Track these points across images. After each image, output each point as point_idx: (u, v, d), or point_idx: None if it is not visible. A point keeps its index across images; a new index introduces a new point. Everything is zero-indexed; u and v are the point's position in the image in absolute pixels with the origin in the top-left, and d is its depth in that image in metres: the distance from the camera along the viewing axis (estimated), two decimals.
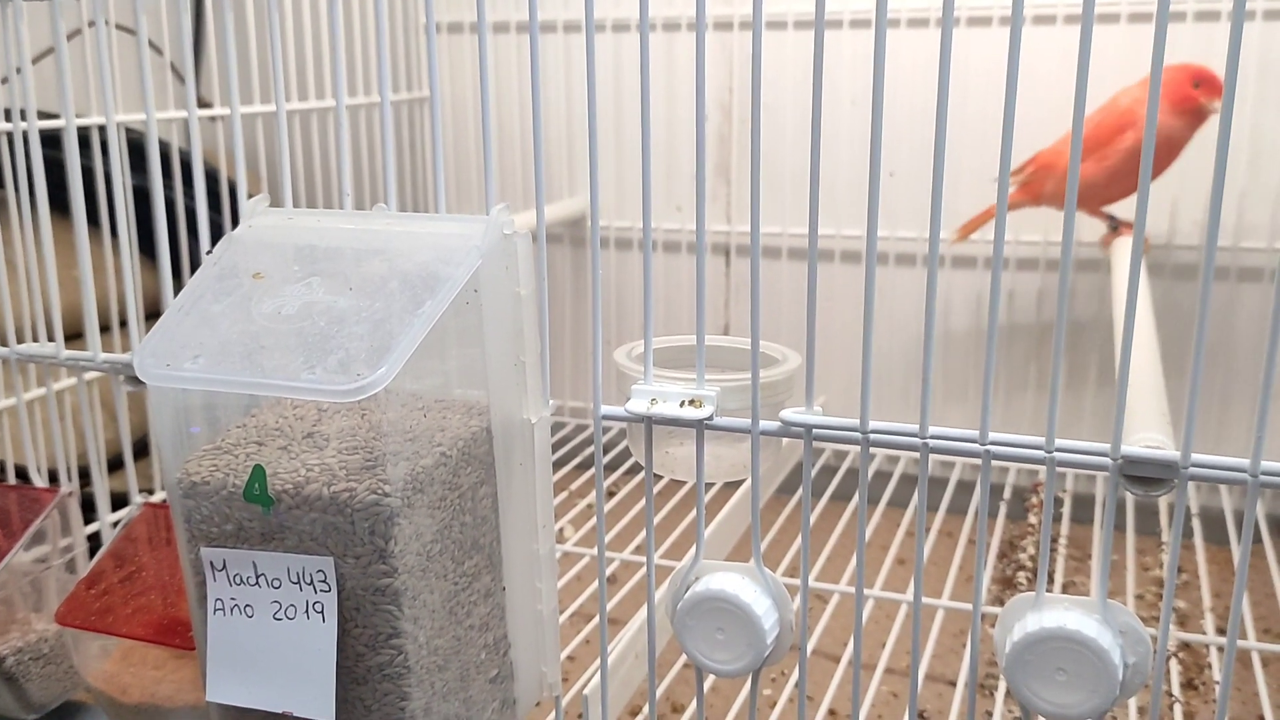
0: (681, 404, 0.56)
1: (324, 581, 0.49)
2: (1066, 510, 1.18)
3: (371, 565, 0.49)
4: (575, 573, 1.02)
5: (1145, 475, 0.50)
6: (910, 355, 1.27)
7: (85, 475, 0.80)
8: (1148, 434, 0.52)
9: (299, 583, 0.49)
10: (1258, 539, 1.09)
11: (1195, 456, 0.48)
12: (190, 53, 0.64)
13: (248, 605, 0.50)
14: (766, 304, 1.31)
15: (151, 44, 1.19)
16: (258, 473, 0.49)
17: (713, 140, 1.31)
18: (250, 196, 0.59)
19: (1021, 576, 1.01)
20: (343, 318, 0.49)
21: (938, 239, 0.50)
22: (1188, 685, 0.88)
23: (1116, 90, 1.08)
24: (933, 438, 0.52)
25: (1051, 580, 1.01)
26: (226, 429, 0.53)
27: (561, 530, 1.15)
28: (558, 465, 1.32)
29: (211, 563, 0.51)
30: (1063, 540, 1.10)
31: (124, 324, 1.10)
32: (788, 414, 0.55)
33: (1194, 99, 1.00)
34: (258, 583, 0.50)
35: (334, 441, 0.51)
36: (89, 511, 0.81)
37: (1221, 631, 0.92)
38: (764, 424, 0.55)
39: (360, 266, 0.53)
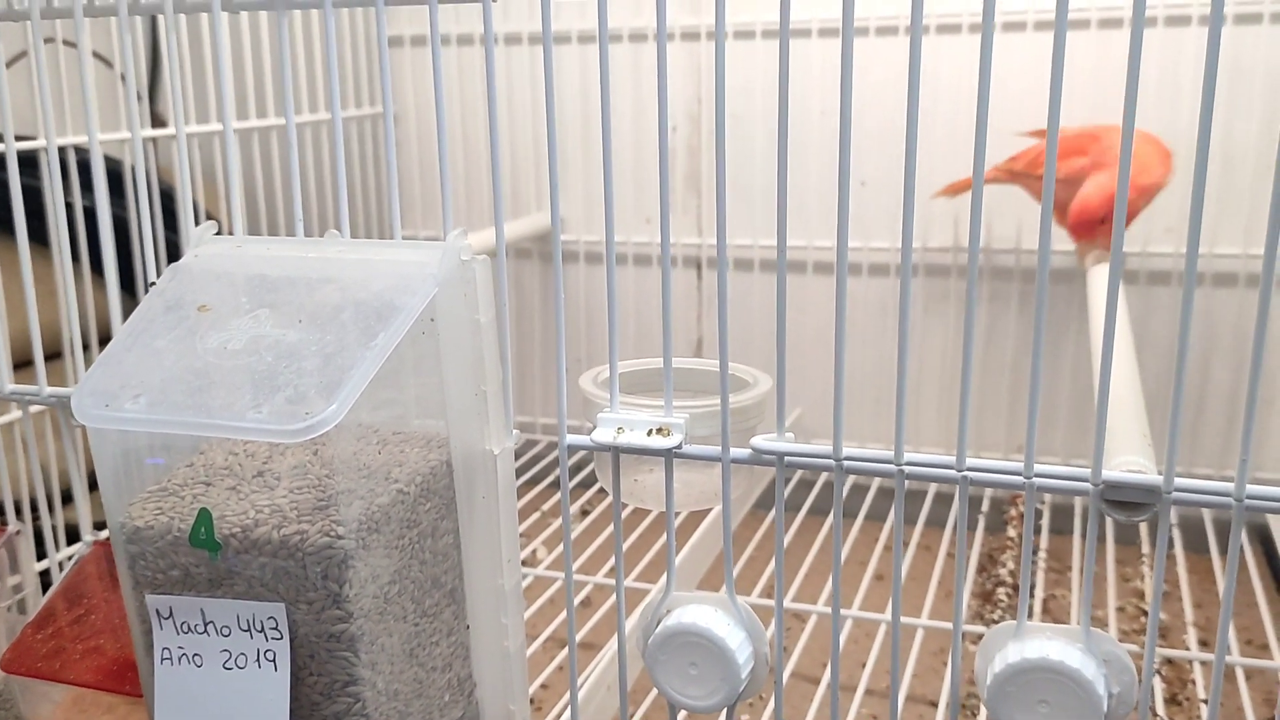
0: (649, 432, 0.54)
1: (275, 629, 0.47)
2: (1045, 522, 1.16)
3: (325, 610, 0.46)
4: (549, 596, 1.00)
5: (1127, 500, 0.48)
6: (885, 366, 1.26)
7: (37, 509, 0.77)
8: (1128, 457, 0.51)
9: (249, 630, 0.47)
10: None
11: (1178, 481, 0.47)
12: (133, 67, 0.62)
13: (196, 654, 0.48)
14: (739, 317, 1.29)
15: (104, 59, 1.17)
16: (203, 516, 0.47)
17: (682, 151, 1.29)
18: (208, 218, 0.57)
19: (1001, 592, 0.99)
20: (291, 352, 0.47)
21: (909, 257, 0.48)
22: (1171, 701, 0.87)
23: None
24: (908, 464, 0.50)
25: (1031, 595, 0.99)
26: (173, 469, 0.51)
27: (534, 552, 1.12)
28: (530, 485, 1.30)
29: (158, 610, 0.48)
30: (1041, 554, 1.08)
31: (85, 347, 1.07)
32: (759, 441, 0.53)
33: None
34: (206, 631, 0.48)
35: (285, 480, 0.49)
36: (40, 546, 0.79)
37: (1204, 644, 0.91)
38: (735, 451, 0.54)
39: (311, 297, 0.50)
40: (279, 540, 0.46)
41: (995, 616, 0.95)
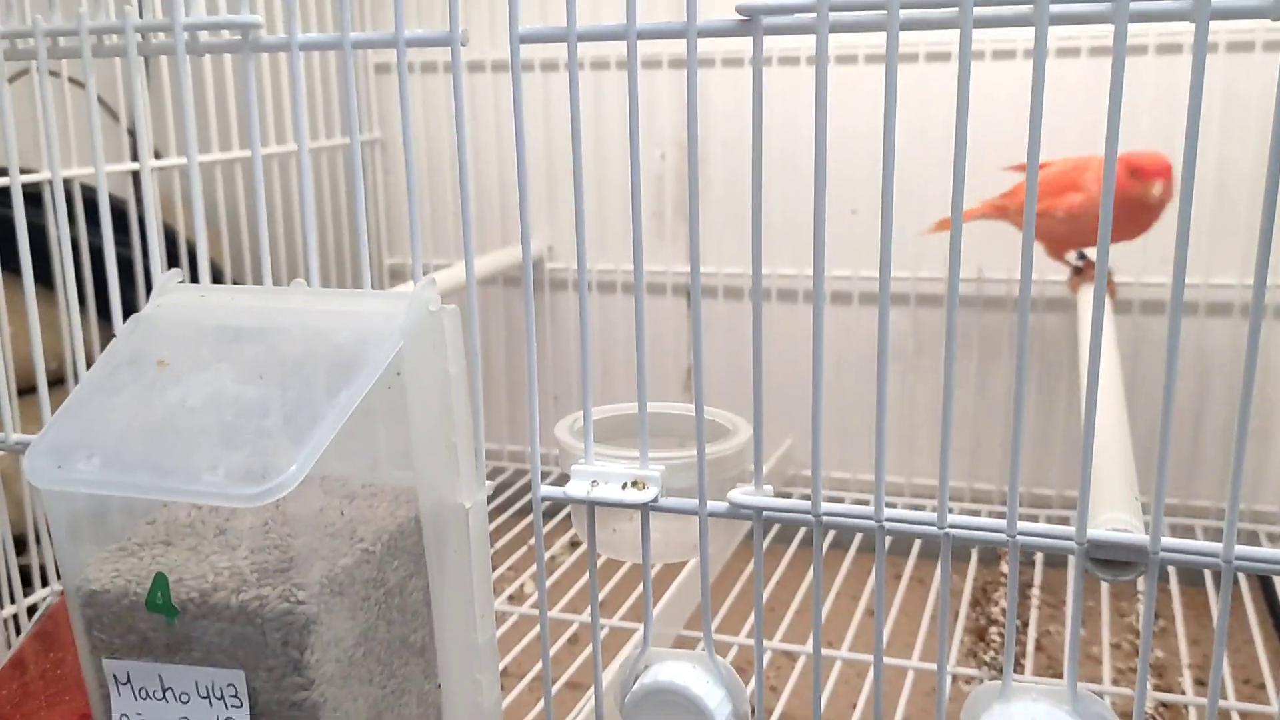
0: (624, 486, 0.53)
1: (235, 696, 0.45)
2: (1039, 555, 1.15)
3: (286, 678, 0.45)
4: (536, 633, 0.98)
5: (1113, 559, 0.47)
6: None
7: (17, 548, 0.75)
8: (1115, 514, 0.49)
9: (208, 697, 0.46)
10: (1234, 582, 1.07)
11: (1166, 540, 0.46)
12: (96, 107, 0.61)
13: None
14: (731, 345, 1.28)
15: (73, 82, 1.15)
16: (159, 581, 0.45)
17: (672, 178, 1.28)
18: (190, 254, 0.56)
19: (994, 631, 0.97)
20: (251, 409, 0.46)
21: (886, 318, 0.47)
22: None
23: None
24: (889, 520, 0.49)
25: (1024, 631, 0.98)
26: (136, 525, 0.50)
27: (523, 586, 1.11)
28: (521, 514, 1.28)
29: (115, 676, 0.47)
30: (1035, 590, 1.07)
31: (60, 381, 1.05)
32: (736, 495, 0.52)
33: (1131, 190, 0.97)
34: (164, 697, 0.46)
35: (247, 539, 0.48)
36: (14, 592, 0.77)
37: (1200, 684, 0.89)
38: (712, 505, 0.52)
39: (274, 351, 0.49)
40: (237, 606, 0.44)
41: (988, 657, 0.93)
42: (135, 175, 1.15)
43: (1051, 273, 1.15)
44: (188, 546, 0.48)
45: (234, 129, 1.15)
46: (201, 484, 0.43)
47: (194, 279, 1.16)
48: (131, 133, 1.25)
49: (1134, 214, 0.98)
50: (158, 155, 1.18)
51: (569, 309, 1.33)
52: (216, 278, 1.15)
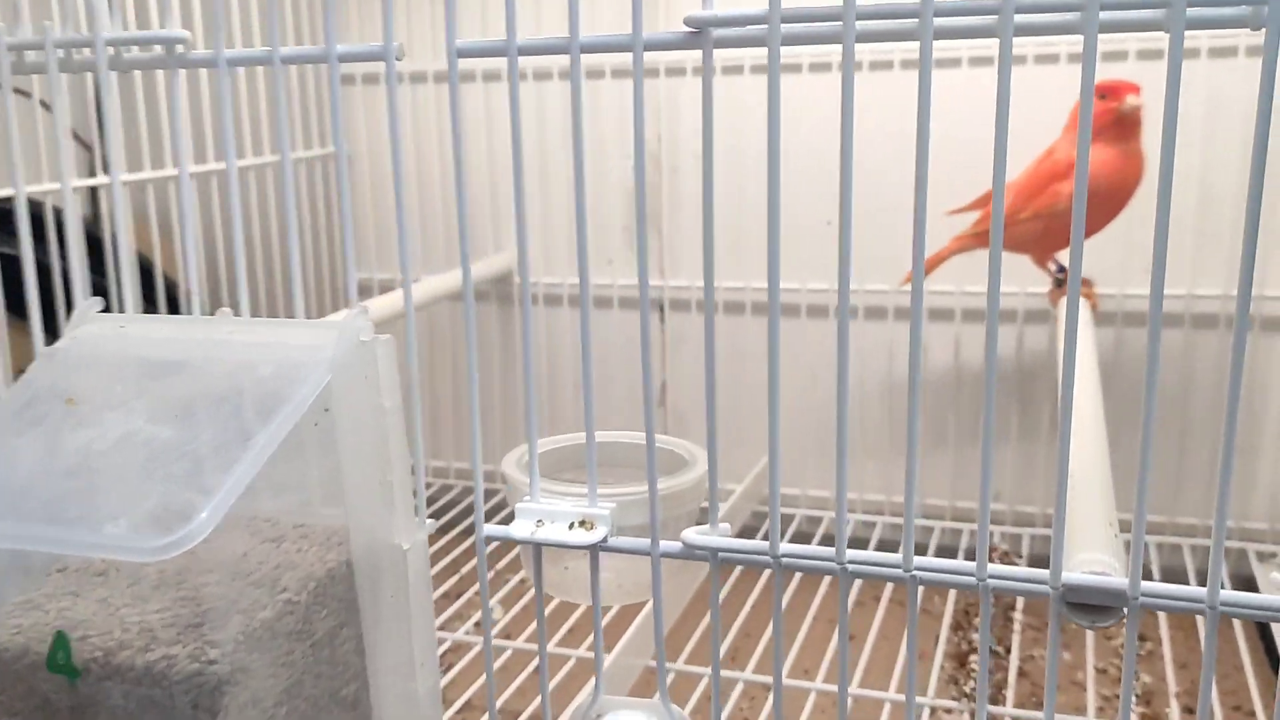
0: (571, 526, 0.50)
1: None
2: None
3: None
4: (501, 663, 0.95)
5: (1091, 603, 0.44)
6: (859, 408, 1.21)
7: None
8: (1091, 555, 0.46)
9: None
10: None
11: (1146, 585, 0.42)
12: (16, 125, 0.57)
13: None
14: (700, 361, 1.24)
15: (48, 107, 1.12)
16: (60, 640, 0.42)
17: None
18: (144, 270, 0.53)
19: (975, 659, 0.94)
20: (163, 452, 0.43)
21: (847, 336, 0.44)
22: None
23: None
24: (852, 563, 0.46)
25: (1006, 657, 0.95)
26: (43, 576, 0.46)
27: (490, 613, 1.07)
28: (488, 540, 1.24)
29: None
30: (1017, 614, 1.03)
31: None
32: (690, 535, 0.48)
33: (1107, 111, 0.95)
34: None
35: (161, 590, 0.44)
36: None
37: (1188, 711, 0.86)
38: (666, 545, 0.49)
39: (193, 386, 0.46)
40: (142, 667, 0.41)
41: (968, 688, 0.90)
42: (94, 191, 1.11)
43: (1032, 284, 1.12)
44: (97, 598, 0.44)
45: (208, 144, 1.12)
46: (102, 536, 0.40)
47: (151, 296, 1.12)
48: (89, 148, 1.22)
49: (1124, 135, 0.96)
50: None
51: (538, 324, 1.30)
52: (171, 295, 1.11)
